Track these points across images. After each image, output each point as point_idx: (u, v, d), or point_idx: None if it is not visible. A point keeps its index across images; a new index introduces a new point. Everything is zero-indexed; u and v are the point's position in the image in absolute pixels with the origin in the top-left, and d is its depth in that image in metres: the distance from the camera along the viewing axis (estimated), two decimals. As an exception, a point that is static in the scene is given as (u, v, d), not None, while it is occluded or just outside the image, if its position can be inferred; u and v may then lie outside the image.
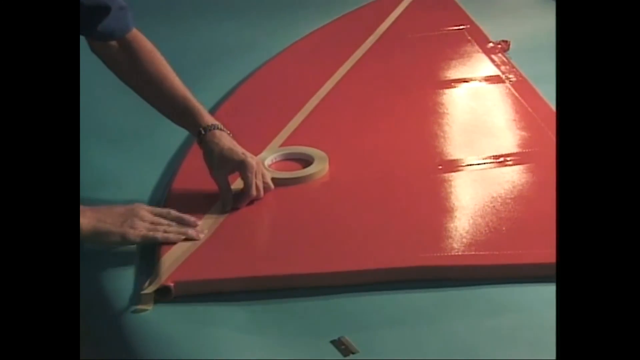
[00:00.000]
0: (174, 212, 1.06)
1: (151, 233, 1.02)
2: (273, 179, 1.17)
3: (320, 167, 1.22)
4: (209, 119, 1.18)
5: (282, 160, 1.27)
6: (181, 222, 1.05)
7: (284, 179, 1.19)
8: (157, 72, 1.19)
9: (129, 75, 1.21)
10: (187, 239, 1.03)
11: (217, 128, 1.17)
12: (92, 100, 1.27)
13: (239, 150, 1.15)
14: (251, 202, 1.13)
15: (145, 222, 1.03)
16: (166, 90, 1.19)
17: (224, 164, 1.14)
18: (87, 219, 0.99)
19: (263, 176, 1.16)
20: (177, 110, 1.20)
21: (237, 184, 1.15)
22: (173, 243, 1.01)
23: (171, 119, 1.22)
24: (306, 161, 1.25)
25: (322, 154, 1.25)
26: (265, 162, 1.23)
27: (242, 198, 1.13)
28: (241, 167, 1.13)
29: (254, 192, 1.13)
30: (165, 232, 1.03)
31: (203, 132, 1.16)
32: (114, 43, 1.20)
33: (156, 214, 1.05)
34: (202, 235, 1.04)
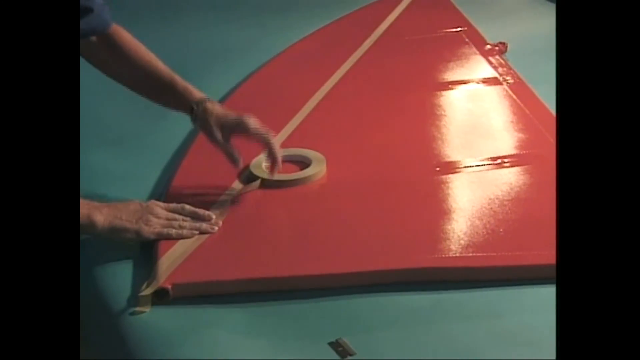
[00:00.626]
0: (188, 207, 1.07)
1: (165, 230, 1.03)
2: (271, 182, 1.18)
3: (317, 169, 1.22)
4: (198, 95, 1.20)
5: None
6: (196, 217, 1.06)
7: (281, 181, 1.19)
8: (141, 59, 1.21)
9: (114, 67, 1.23)
10: (202, 234, 1.04)
11: (208, 101, 1.18)
12: (91, 101, 1.27)
13: (233, 113, 1.18)
14: (250, 204, 1.13)
15: (160, 218, 1.04)
16: (152, 75, 1.21)
17: (222, 127, 1.16)
18: (103, 216, 1.01)
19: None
20: (166, 93, 1.21)
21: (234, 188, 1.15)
22: (188, 238, 1.03)
23: (162, 103, 1.24)
24: (304, 163, 1.24)
25: (320, 155, 1.25)
26: (263, 164, 1.22)
27: (271, 155, 1.16)
28: (241, 125, 1.16)
29: (268, 136, 1.15)
30: (180, 227, 1.04)
31: (195, 107, 1.18)
32: (94, 39, 1.21)
33: (171, 210, 1.06)
34: (216, 228, 1.05)
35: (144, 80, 1.22)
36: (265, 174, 1.20)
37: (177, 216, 1.06)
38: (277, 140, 1.20)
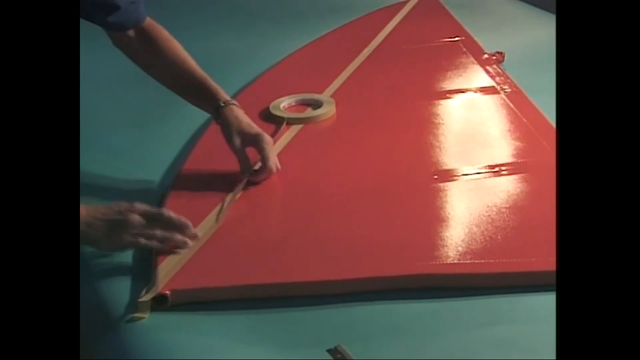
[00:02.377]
0: (166, 214, 1.03)
1: (134, 240, 1.00)
2: (289, 119, 1.40)
3: (328, 109, 1.45)
4: (226, 96, 1.26)
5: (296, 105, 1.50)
6: (172, 224, 1.02)
7: (297, 118, 1.43)
8: (175, 58, 1.28)
9: (148, 63, 1.29)
10: (176, 247, 1.01)
11: (234, 104, 1.25)
12: (91, 108, 1.28)
13: (255, 125, 1.24)
14: (248, 211, 1.14)
15: (136, 228, 1.00)
16: (185, 74, 1.28)
17: (241, 135, 1.22)
18: None
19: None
20: (196, 92, 1.28)
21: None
22: (158, 249, 1.00)
23: (189, 101, 1.30)
24: (315, 105, 1.48)
25: (330, 99, 1.49)
26: (281, 105, 1.46)
27: (260, 171, 1.20)
28: (258, 139, 1.21)
29: (271, 164, 1.20)
30: (149, 237, 1.00)
31: (223, 104, 1.24)
32: (132, 34, 1.27)
33: (149, 217, 1.02)
34: (190, 243, 1.02)
35: (176, 78, 1.28)
36: (282, 114, 1.43)
37: (153, 225, 1.01)
38: (277, 148, 1.25)
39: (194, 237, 1.03)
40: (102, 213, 1.01)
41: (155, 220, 1.02)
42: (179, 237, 1.02)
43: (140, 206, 1.03)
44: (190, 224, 1.04)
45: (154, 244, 1.00)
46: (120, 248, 1.01)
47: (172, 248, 1.01)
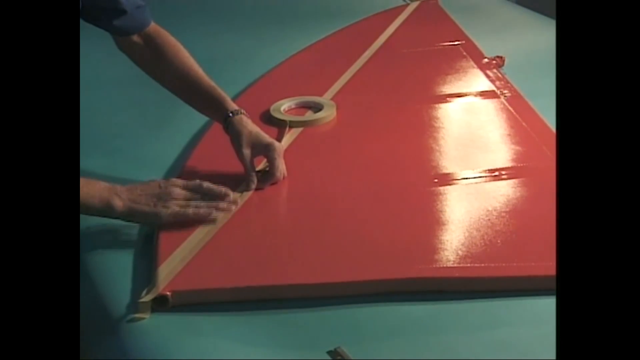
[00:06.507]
0: (206, 185, 1.09)
1: (182, 210, 1.05)
2: (291, 122, 1.40)
3: (329, 112, 1.45)
4: (235, 106, 1.24)
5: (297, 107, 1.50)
6: (212, 194, 1.08)
7: (298, 121, 1.42)
8: (182, 65, 1.26)
9: (155, 69, 1.28)
10: (219, 211, 1.07)
11: (243, 113, 1.23)
12: (91, 109, 1.28)
13: (266, 134, 1.22)
14: (250, 212, 1.14)
15: (178, 199, 1.06)
16: (192, 82, 1.26)
17: (251, 146, 1.20)
18: (122, 201, 1.03)
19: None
20: (204, 100, 1.26)
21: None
22: (205, 218, 1.05)
23: (196, 108, 1.29)
24: (317, 108, 1.47)
25: (330, 102, 1.49)
26: (282, 108, 1.45)
27: (267, 178, 1.19)
28: (269, 149, 1.20)
29: (279, 174, 1.19)
30: (197, 207, 1.06)
31: (231, 114, 1.22)
32: (137, 39, 1.27)
33: (189, 188, 1.08)
34: (234, 207, 1.09)
35: (183, 85, 1.27)
36: (283, 116, 1.43)
37: (195, 196, 1.08)
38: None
39: (235, 203, 1.09)
40: (142, 189, 1.06)
41: (196, 192, 1.08)
42: (223, 204, 1.07)
43: (178, 180, 1.09)
44: (230, 192, 1.10)
45: (202, 212, 1.05)
46: (168, 219, 1.04)
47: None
